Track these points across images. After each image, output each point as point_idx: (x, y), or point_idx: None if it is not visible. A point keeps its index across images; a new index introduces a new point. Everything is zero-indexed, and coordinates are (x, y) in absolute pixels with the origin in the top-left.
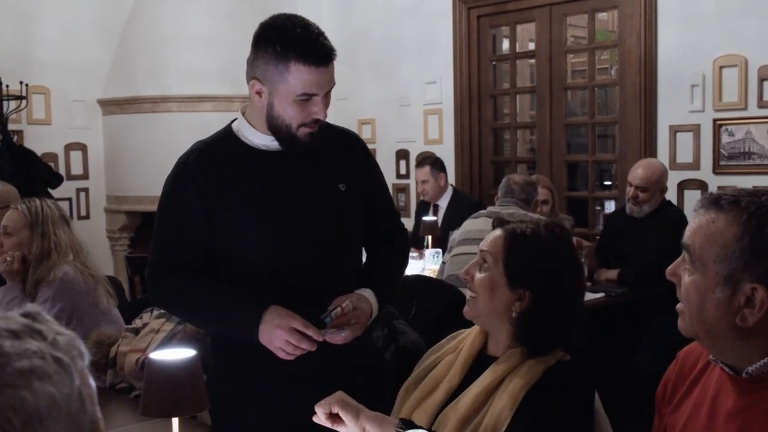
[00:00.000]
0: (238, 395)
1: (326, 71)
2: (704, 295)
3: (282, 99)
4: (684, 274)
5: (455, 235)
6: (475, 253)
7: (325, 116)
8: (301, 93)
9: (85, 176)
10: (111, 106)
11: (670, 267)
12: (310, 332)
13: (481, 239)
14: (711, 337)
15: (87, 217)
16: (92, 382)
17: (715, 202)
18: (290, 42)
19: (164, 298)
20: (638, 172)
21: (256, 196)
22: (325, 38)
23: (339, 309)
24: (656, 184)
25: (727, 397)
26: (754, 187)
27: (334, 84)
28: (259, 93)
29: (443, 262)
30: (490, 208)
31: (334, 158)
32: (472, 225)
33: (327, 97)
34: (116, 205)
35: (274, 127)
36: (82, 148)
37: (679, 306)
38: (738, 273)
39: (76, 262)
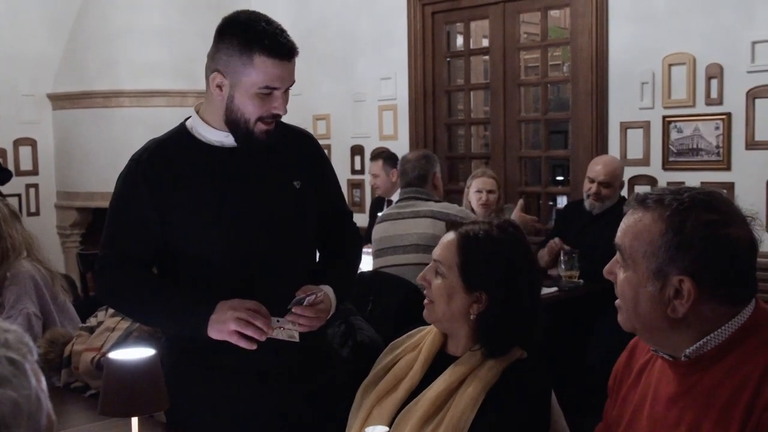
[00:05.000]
0: (194, 393)
1: (289, 66)
2: (637, 290)
3: (243, 92)
4: (619, 272)
5: (372, 245)
6: (393, 265)
7: (285, 112)
8: (264, 86)
9: (34, 172)
10: (61, 100)
11: (607, 266)
12: (260, 317)
13: (392, 246)
14: (647, 329)
15: (37, 213)
16: (42, 377)
17: (641, 201)
18: (255, 34)
19: (112, 295)
20: (600, 168)
21: (210, 193)
22: (287, 34)
23: (314, 297)
24: (618, 178)
25: (668, 383)
26: (700, 183)
27: (294, 81)
28: (219, 86)
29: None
30: (391, 208)
31: (288, 156)
32: (377, 232)
33: (287, 93)
34: (67, 201)
35: (233, 121)
36: (32, 143)
37: (617, 302)
38: (665, 267)
39: (30, 258)
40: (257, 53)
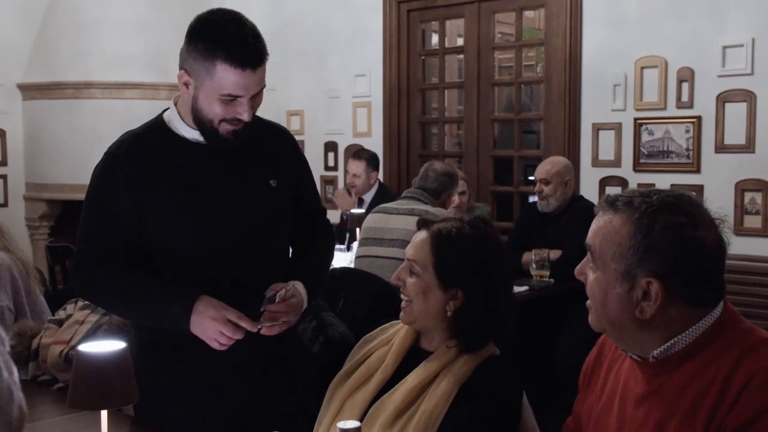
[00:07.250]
0: (162, 387)
1: (253, 75)
2: (606, 291)
3: (207, 95)
4: (589, 273)
5: (360, 232)
6: (375, 256)
7: (250, 118)
8: (226, 93)
9: (3, 163)
10: (32, 90)
11: (577, 267)
12: (244, 324)
13: (379, 238)
14: (616, 329)
15: (5, 204)
16: (14, 368)
17: (611, 203)
18: (219, 41)
19: (89, 289)
20: (540, 168)
21: (185, 189)
22: (259, 40)
23: (283, 291)
24: (557, 176)
25: (636, 383)
26: (670, 185)
27: (265, 86)
28: (186, 84)
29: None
30: (394, 203)
31: (264, 153)
32: (368, 221)
33: (257, 98)
34: (36, 193)
35: (198, 120)
36: (1, 133)
37: (588, 302)
38: (634, 268)
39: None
40: (219, 61)
